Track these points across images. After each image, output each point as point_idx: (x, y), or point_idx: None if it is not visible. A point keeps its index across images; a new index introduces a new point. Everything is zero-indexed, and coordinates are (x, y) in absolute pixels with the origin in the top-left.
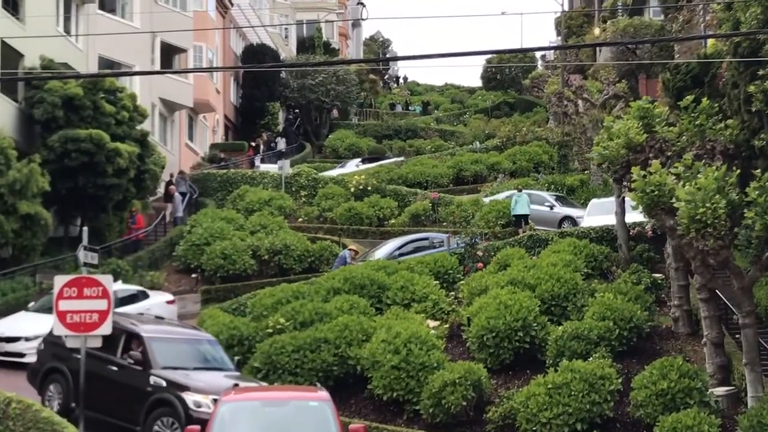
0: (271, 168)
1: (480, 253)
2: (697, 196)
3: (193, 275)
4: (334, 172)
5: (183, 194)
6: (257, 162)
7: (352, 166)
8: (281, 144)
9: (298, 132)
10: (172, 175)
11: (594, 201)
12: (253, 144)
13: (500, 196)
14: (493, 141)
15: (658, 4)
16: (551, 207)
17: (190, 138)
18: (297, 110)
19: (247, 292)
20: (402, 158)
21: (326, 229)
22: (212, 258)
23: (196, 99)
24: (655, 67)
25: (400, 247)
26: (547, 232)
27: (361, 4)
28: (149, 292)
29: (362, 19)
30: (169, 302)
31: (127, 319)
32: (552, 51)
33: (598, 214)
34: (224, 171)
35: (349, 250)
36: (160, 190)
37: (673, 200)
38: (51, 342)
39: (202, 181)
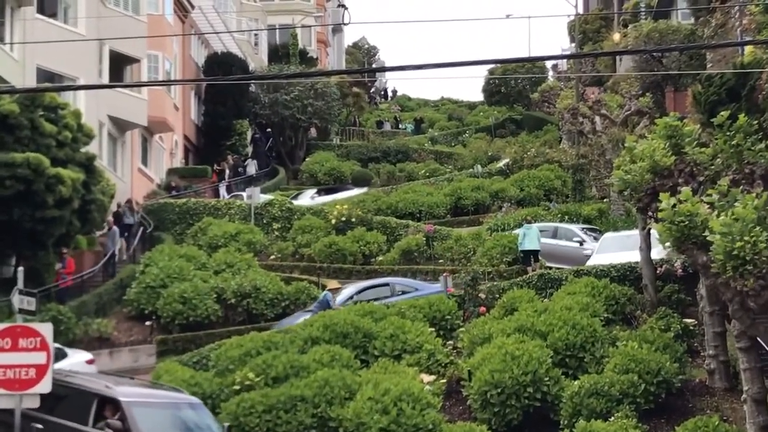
0: (241, 195)
1: (482, 296)
2: (735, 228)
3: (147, 323)
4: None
5: (128, 226)
6: (222, 190)
7: (307, 198)
8: (252, 167)
9: (270, 154)
10: (119, 205)
11: (607, 235)
12: (218, 169)
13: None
14: (497, 164)
15: (687, 6)
16: (581, 242)
17: (144, 162)
18: (269, 129)
19: (210, 342)
20: (364, 188)
21: (303, 268)
22: (169, 302)
23: (151, 117)
24: (684, 79)
25: (352, 296)
26: (560, 270)
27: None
28: (67, 350)
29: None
30: (89, 362)
31: (98, 380)
32: (565, 60)
33: (611, 250)
34: (184, 201)
35: (331, 290)
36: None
37: (707, 233)
38: None
39: (157, 213)
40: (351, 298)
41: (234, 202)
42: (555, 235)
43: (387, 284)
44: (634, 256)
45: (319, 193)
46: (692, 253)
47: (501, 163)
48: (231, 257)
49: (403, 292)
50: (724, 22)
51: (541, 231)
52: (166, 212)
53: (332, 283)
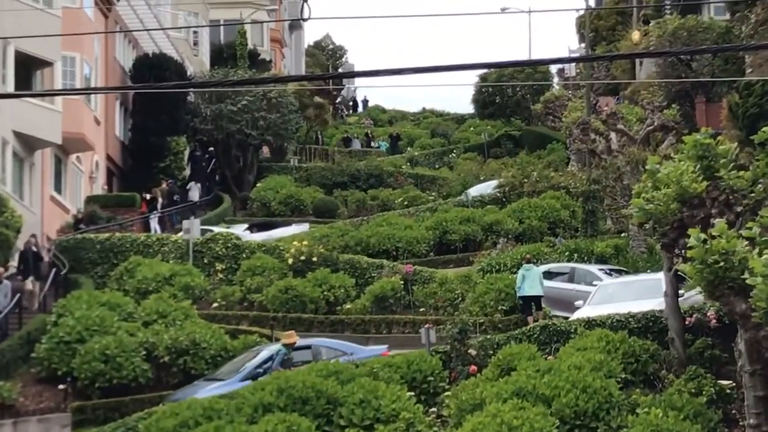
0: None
1: (473, 352)
2: None
3: (61, 386)
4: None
5: (38, 266)
6: (153, 222)
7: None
8: (195, 192)
9: (213, 178)
10: (29, 241)
11: (605, 282)
12: (148, 197)
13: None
14: (491, 191)
15: None
16: None
17: (58, 189)
18: (211, 148)
19: (138, 410)
20: (305, 225)
21: (253, 318)
22: (88, 361)
23: (67, 133)
24: (718, 87)
25: (260, 365)
26: (568, 322)
27: None
28: None
29: (303, 20)
30: None
31: None
32: (573, 64)
33: (607, 302)
34: (107, 236)
35: (287, 344)
36: (14, 263)
37: (746, 275)
38: None
39: (74, 251)
40: (260, 366)
41: (168, 238)
42: (572, 278)
43: (309, 347)
44: (636, 309)
45: (251, 229)
46: (728, 299)
47: (496, 189)
48: (164, 305)
49: (331, 359)
50: (767, 18)
51: (555, 274)
52: (85, 250)
53: (288, 336)
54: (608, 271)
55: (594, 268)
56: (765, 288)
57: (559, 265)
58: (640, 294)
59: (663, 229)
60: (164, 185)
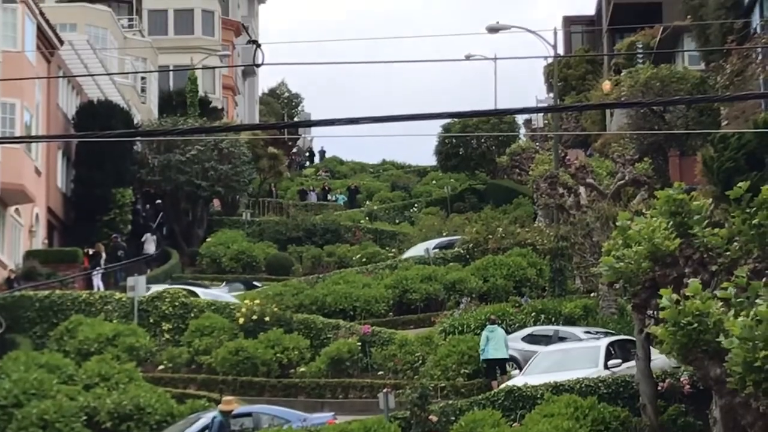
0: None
1: (434, 418)
2: (757, 333)
3: None
4: None
5: None
6: (96, 279)
7: None
8: (150, 244)
9: (160, 233)
10: None
11: (547, 349)
12: (91, 252)
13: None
14: (453, 248)
15: (695, 47)
16: None
17: None
18: (159, 200)
19: None
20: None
21: (201, 382)
22: (25, 426)
23: (5, 184)
24: (692, 140)
25: None
26: (534, 387)
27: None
28: None
29: (257, 65)
30: None
31: None
32: (541, 114)
33: (546, 371)
34: (46, 293)
35: (224, 412)
36: None
37: (721, 338)
38: None
39: (11, 309)
40: None
41: (112, 296)
42: (557, 341)
43: (249, 414)
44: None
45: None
46: (703, 363)
47: (458, 246)
48: (107, 367)
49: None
50: (742, 69)
51: (539, 336)
52: (23, 308)
53: (227, 402)
54: (594, 334)
55: (578, 331)
56: (741, 352)
57: (542, 328)
58: (576, 363)
59: (634, 288)
60: (115, 240)
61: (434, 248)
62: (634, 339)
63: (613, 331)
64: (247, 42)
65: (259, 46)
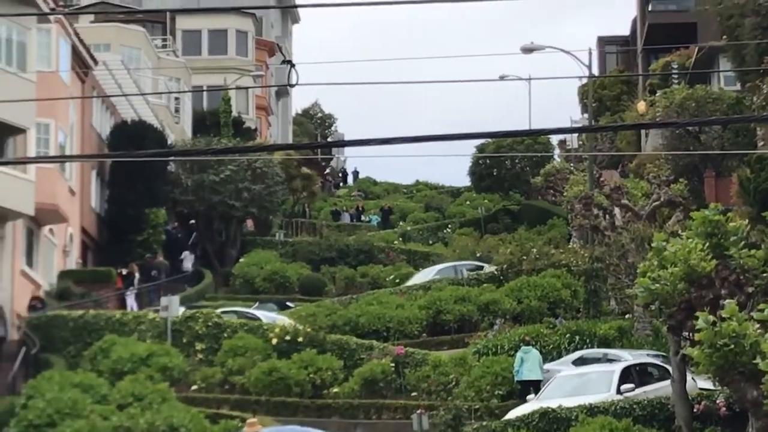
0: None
1: None
2: None
3: None
4: None
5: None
6: (130, 299)
7: None
8: (188, 262)
9: (194, 252)
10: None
11: (562, 373)
12: (124, 272)
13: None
14: (487, 268)
15: (731, 68)
16: None
17: (29, 262)
18: (192, 221)
19: None
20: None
21: (234, 402)
22: None
23: (40, 204)
24: (728, 160)
25: None
26: (569, 409)
27: (289, 62)
28: None
29: (290, 86)
30: None
31: None
32: (575, 135)
33: (562, 395)
34: (80, 313)
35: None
36: None
37: (758, 360)
38: None
39: (45, 329)
40: None
41: (145, 316)
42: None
43: None
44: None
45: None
46: (739, 386)
47: (492, 267)
48: (140, 387)
49: None
50: None
51: (589, 359)
52: (57, 328)
53: (251, 425)
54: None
55: (626, 353)
56: None
57: (592, 351)
58: (590, 388)
59: (670, 310)
60: (160, 257)
61: (435, 275)
62: (656, 363)
63: (662, 353)
64: (281, 62)
65: (293, 66)
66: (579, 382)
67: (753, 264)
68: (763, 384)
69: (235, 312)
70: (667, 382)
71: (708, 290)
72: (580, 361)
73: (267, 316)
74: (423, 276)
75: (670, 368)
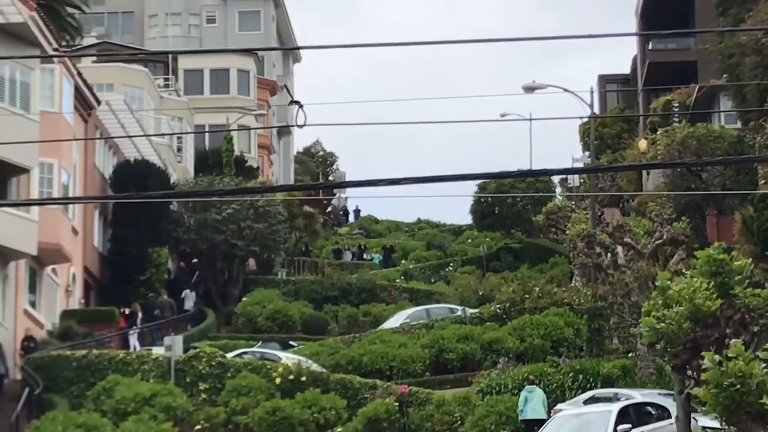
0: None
1: None
2: None
3: None
4: None
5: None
6: (132, 339)
7: None
8: (189, 301)
9: (197, 291)
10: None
11: (562, 413)
12: (127, 311)
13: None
14: (490, 307)
15: (732, 107)
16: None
17: (32, 302)
18: (195, 260)
19: None
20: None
21: None
22: None
23: (43, 243)
24: (729, 199)
25: None
26: None
27: (296, 103)
28: None
29: (299, 126)
30: None
31: None
32: (577, 174)
33: None
34: (83, 353)
35: None
36: None
37: (765, 399)
38: None
39: (48, 368)
40: None
41: (149, 355)
42: None
43: None
44: None
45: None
46: (746, 425)
47: (495, 306)
48: (144, 427)
49: None
50: None
51: (601, 399)
52: (60, 367)
53: None
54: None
55: (636, 393)
56: None
57: (603, 391)
58: (588, 428)
59: (675, 349)
60: (165, 295)
61: (405, 319)
62: (655, 402)
63: (671, 392)
64: (289, 102)
65: (301, 106)
66: (577, 423)
67: (757, 303)
68: None
69: (255, 352)
70: (667, 421)
71: (713, 329)
72: (593, 401)
73: (286, 356)
74: (395, 321)
75: (669, 407)
